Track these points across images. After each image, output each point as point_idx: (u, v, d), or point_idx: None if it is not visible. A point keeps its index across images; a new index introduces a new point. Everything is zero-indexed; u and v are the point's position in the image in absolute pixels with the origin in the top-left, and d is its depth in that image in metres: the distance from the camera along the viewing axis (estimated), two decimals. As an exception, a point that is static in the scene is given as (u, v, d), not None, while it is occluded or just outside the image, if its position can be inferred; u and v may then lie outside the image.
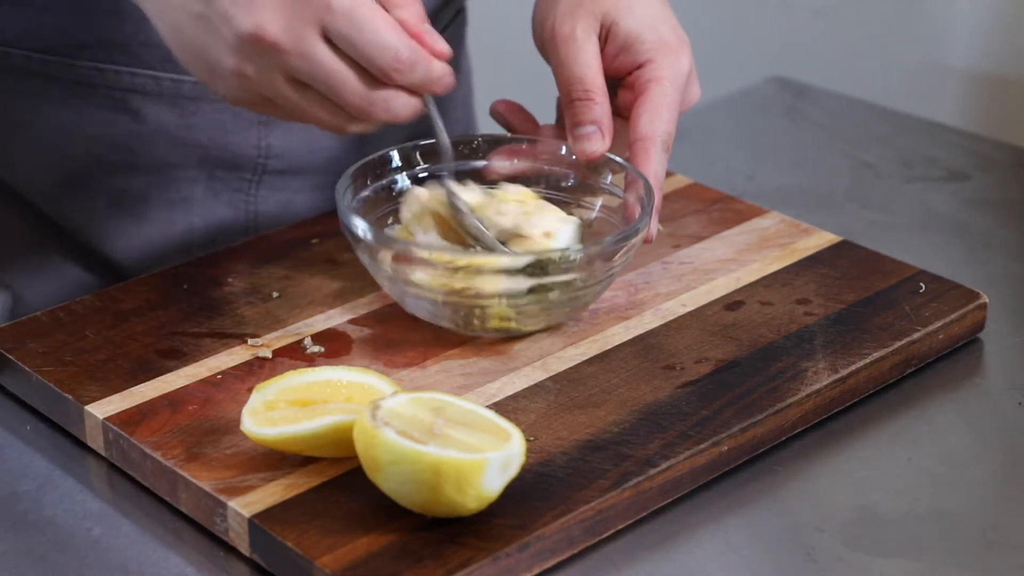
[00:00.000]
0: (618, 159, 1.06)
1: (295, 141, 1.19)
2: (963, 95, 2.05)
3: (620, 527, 0.90)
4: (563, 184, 1.09)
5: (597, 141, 1.05)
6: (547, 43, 1.08)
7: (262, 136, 1.17)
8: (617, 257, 0.99)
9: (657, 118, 1.05)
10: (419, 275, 0.97)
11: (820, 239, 1.13)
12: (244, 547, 0.87)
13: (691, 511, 0.91)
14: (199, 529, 0.90)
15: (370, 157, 1.07)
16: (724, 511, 0.92)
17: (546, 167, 1.09)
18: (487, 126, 1.18)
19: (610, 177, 1.07)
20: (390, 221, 1.06)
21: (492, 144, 1.10)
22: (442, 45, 0.96)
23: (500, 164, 1.09)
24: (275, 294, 1.07)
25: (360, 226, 0.99)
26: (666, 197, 1.18)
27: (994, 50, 2.03)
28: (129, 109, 1.14)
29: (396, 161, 1.08)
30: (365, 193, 1.06)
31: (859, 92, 1.51)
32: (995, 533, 0.91)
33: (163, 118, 1.14)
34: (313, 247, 1.12)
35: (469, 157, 1.09)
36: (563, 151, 1.08)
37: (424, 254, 0.97)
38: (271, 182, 1.19)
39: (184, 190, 1.17)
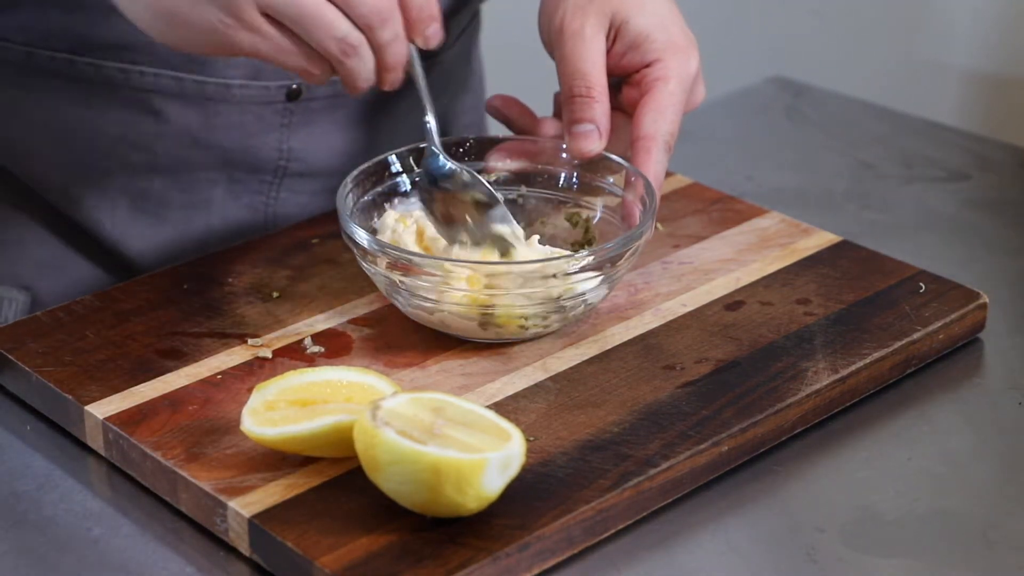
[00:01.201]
0: (616, 158, 1.06)
1: (316, 143, 1.18)
2: (963, 95, 2.05)
3: (620, 527, 0.90)
4: (563, 183, 1.09)
5: (594, 140, 1.05)
6: (554, 37, 1.07)
7: (283, 139, 1.17)
8: (623, 260, 0.99)
9: (661, 118, 1.05)
10: (424, 285, 0.97)
11: (820, 239, 1.13)
12: (244, 547, 0.87)
13: (691, 511, 0.91)
14: (199, 529, 0.90)
15: (368, 163, 1.06)
16: (724, 511, 0.92)
17: (542, 166, 1.09)
18: (498, 131, 1.17)
19: (611, 178, 1.07)
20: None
21: (485, 145, 1.09)
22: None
23: (497, 163, 1.09)
24: (275, 294, 1.07)
25: (361, 235, 0.98)
26: (666, 197, 1.18)
27: (994, 50, 2.03)
28: (151, 110, 1.14)
29: (396, 166, 1.07)
30: (366, 199, 1.05)
31: (859, 92, 1.51)
32: (995, 533, 0.91)
33: (185, 119, 1.14)
34: (313, 247, 1.12)
35: (460, 158, 1.09)
36: (562, 153, 1.08)
37: (429, 265, 0.96)
38: (291, 184, 1.19)
39: (204, 191, 1.17)
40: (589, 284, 0.98)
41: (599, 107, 1.05)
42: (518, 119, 1.12)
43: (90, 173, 1.16)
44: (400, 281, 0.98)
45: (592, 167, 1.07)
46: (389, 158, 1.07)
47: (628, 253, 0.99)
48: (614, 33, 1.07)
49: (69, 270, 1.19)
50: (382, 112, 1.21)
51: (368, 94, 1.19)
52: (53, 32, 1.12)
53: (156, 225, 1.18)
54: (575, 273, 0.97)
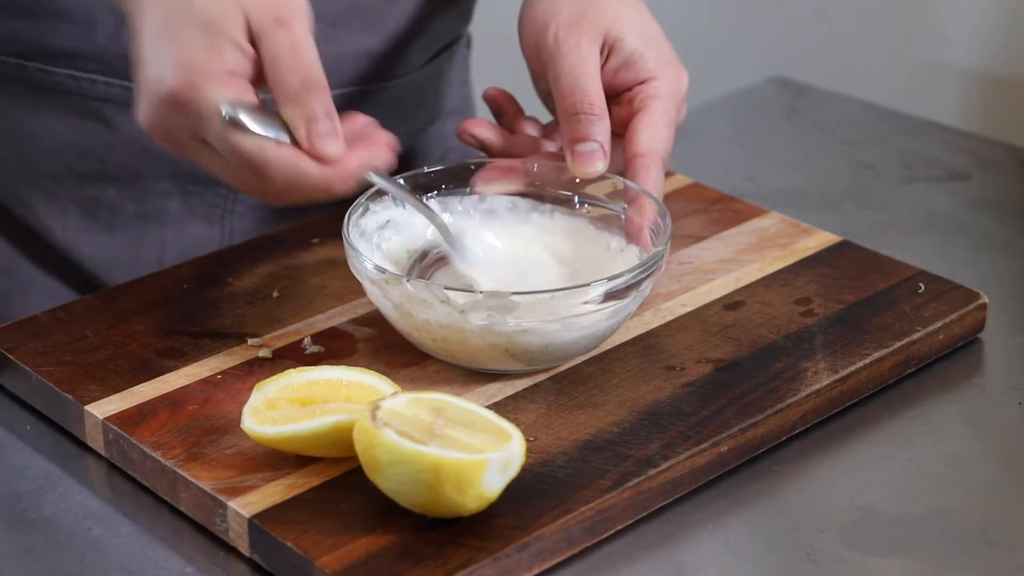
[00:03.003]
0: (618, 177, 1.04)
1: None
2: (963, 95, 2.05)
3: (620, 527, 0.90)
4: (557, 193, 1.07)
5: (599, 159, 1.02)
6: (547, 54, 1.05)
7: None
8: (645, 284, 0.97)
9: (658, 135, 1.04)
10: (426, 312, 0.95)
11: (820, 239, 1.13)
12: (244, 547, 0.87)
13: (691, 511, 0.91)
14: (199, 529, 0.90)
15: (367, 193, 1.03)
16: (724, 511, 0.92)
17: (537, 185, 1.07)
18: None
19: (623, 206, 1.05)
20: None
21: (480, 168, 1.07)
22: (327, 146, 0.92)
23: (486, 187, 1.07)
24: (275, 294, 1.07)
25: (369, 264, 0.96)
26: (666, 197, 1.17)
27: (994, 50, 2.03)
28: (102, 118, 1.13)
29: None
30: (369, 221, 1.04)
31: (859, 92, 1.51)
32: (995, 533, 0.91)
33: (135, 129, 1.13)
34: (313, 247, 1.12)
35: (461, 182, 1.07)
36: (556, 171, 1.06)
37: (428, 293, 0.94)
38: (248, 199, 1.18)
39: (158, 202, 1.17)
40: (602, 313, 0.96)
41: (602, 124, 1.03)
42: (494, 144, 1.10)
43: (41, 179, 1.16)
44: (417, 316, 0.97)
45: (590, 185, 1.06)
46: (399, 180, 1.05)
47: (645, 283, 0.97)
48: (607, 50, 1.06)
49: (19, 275, 1.19)
50: None
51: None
52: (3, 37, 1.11)
53: (108, 234, 1.17)
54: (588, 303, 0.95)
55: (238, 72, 0.91)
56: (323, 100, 0.91)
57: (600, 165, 1.03)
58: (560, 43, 1.05)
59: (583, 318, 0.95)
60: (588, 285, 0.94)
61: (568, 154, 1.03)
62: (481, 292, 0.93)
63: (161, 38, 0.91)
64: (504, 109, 1.12)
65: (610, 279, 0.94)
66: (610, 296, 0.94)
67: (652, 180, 1.03)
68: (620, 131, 1.06)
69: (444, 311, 0.94)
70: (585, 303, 0.94)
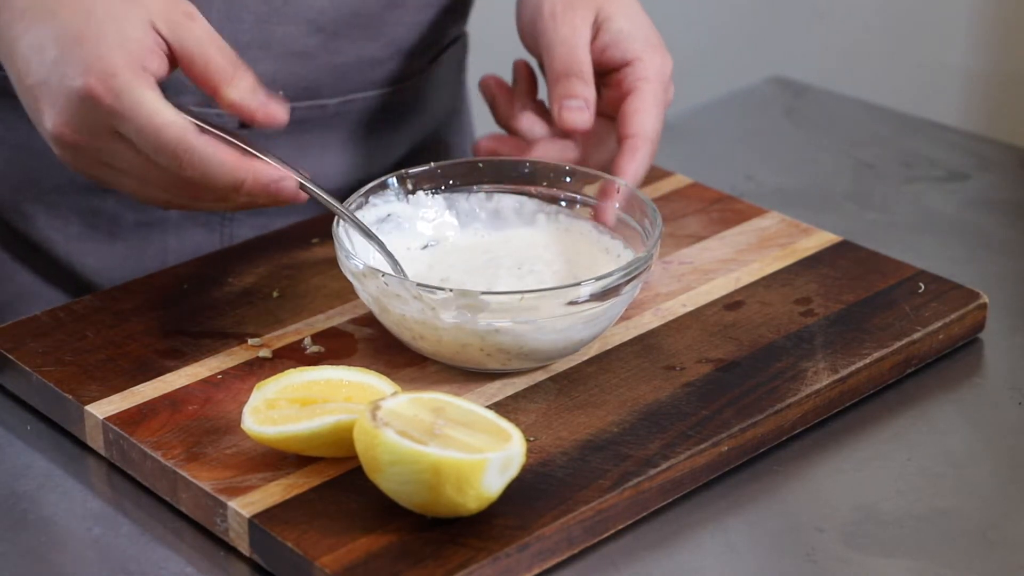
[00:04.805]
0: (595, 172, 1.06)
1: None
2: (963, 95, 2.05)
3: (620, 527, 0.90)
4: (563, 196, 1.08)
5: (584, 112, 1.07)
6: (543, 25, 1.10)
7: None
8: (625, 290, 0.97)
9: (649, 116, 1.07)
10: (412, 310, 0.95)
11: (820, 239, 1.13)
12: (244, 547, 0.87)
13: (691, 511, 0.91)
14: (199, 529, 0.90)
15: (368, 186, 1.05)
16: (724, 511, 0.92)
17: (544, 186, 1.08)
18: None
19: (618, 205, 1.05)
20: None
21: (496, 167, 1.08)
22: (277, 111, 0.97)
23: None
24: (275, 294, 1.07)
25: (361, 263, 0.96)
26: (666, 197, 1.18)
27: (994, 50, 2.03)
28: None
29: (395, 186, 1.06)
30: (368, 214, 1.04)
31: (859, 92, 1.51)
32: (995, 533, 0.91)
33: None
34: (313, 247, 1.12)
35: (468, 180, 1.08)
36: (564, 174, 1.07)
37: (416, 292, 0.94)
38: None
39: (158, 211, 1.17)
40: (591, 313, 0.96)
41: (590, 89, 1.08)
42: (509, 152, 1.12)
43: (41, 190, 1.15)
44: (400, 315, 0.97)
45: (583, 180, 1.07)
46: (389, 180, 1.06)
47: (631, 285, 0.97)
48: (596, 28, 1.10)
49: (21, 286, 1.18)
50: (347, 140, 1.21)
51: (335, 120, 1.19)
52: None
53: (110, 243, 1.17)
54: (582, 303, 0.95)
55: (153, 64, 0.94)
56: (252, 77, 0.96)
57: (586, 116, 1.07)
58: (556, 16, 1.10)
59: (557, 321, 0.94)
60: (558, 289, 0.94)
61: (555, 108, 1.08)
62: (451, 290, 0.93)
63: (61, 41, 0.93)
64: (496, 94, 1.15)
65: (579, 284, 0.94)
66: (584, 300, 0.94)
67: (638, 160, 1.06)
68: (611, 113, 1.10)
69: (417, 307, 0.94)
70: (567, 305, 0.94)
